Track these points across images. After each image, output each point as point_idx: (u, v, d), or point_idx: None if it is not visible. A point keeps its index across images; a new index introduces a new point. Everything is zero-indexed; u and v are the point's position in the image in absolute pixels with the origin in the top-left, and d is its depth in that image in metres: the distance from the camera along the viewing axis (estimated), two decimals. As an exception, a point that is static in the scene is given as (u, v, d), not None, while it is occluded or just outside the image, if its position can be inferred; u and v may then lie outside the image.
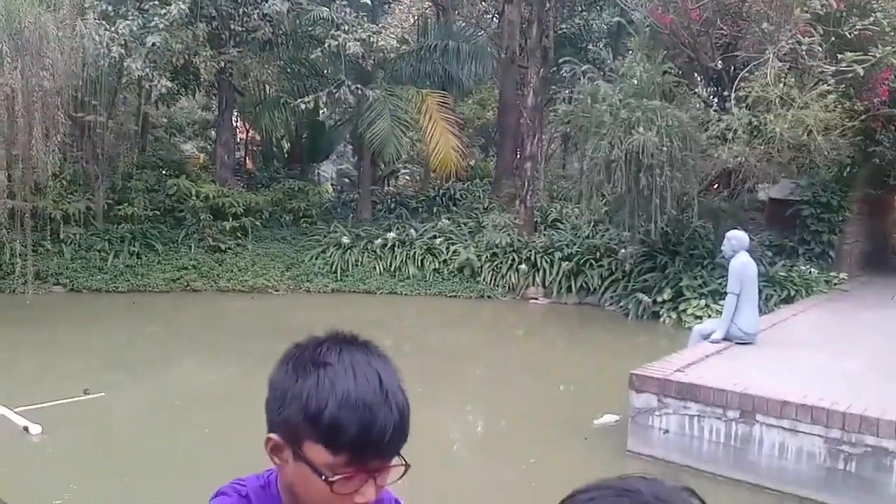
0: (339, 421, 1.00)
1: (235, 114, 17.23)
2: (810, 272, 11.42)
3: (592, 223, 13.42)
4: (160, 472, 5.48)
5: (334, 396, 1.01)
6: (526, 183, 14.55)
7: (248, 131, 20.38)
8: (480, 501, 5.36)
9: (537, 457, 5.90)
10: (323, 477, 1.01)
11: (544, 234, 14.27)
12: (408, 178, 22.29)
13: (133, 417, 6.94)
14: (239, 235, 14.52)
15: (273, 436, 1.06)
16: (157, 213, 14.30)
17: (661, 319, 11.59)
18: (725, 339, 6.94)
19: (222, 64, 13.92)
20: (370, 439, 1.01)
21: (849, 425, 4.87)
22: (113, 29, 11.73)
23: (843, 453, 4.92)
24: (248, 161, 20.19)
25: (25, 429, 6.02)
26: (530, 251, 13.78)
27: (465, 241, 14.46)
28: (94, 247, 13.38)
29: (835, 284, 11.44)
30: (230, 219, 14.32)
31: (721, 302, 8.26)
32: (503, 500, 5.38)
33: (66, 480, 5.16)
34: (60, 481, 5.16)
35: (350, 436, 1.00)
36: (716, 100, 13.13)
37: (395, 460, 1.07)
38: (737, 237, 6.97)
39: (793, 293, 10.90)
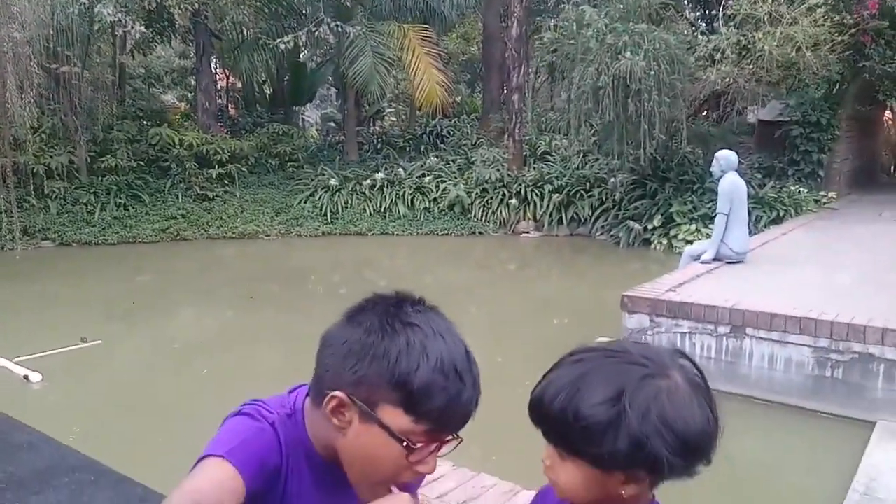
0: (432, 387, 0.94)
1: (214, 60, 16.82)
2: (799, 192, 11.44)
3: (582, 154, 13.37)
4: (161, 413, 5.56)
5: (426, 360, 0.95)
6: (513, 116, 14.37)
7: (228, 78, 19.95)
8: (479, 423, 5.47)
9: (532, 381, 6.00)
10: (404, 444, 0.95)
11: (534, 168, 14.18)
12: (393, 118, 22.00)
13: (131, 363, 7.01)
14: (226, 182, 14.38)
15: (339, 394, 0.98)
16: (142, 163, 14.11)
17: (653, 246, 11.65)
18: (716, 259, 7.00)
19: (196, 6, 13.49)
20: (457, 409, 0.96)
21: (836, 334, 4.96)
22: (79, -27, 11.32)
23: (831, 361, 5.03)
24: (230, 107, 19.83)
25: (26, 378, 6.07)
26: (520, 185, 13.73)
27: (455, 178, 14.38)
28: (80, 200, 13.25)
29: (824, 203, 11.48)
30: (216, 166, 14.16)
31: (711, 226, 8.30)
32: (500, 420, 5.49)
33: (69, 425, 5.22)
34: (63, 426, 5.23)
35: (439, 404, 0.94)
36: (703, 23, 12.89)
37: None
38: (725, 157, 6.94)
39: (782, 213, 10.95)
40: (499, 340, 8.05)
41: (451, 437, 1.01)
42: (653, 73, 9.72)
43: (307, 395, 1.08)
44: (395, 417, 0.95)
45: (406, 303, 1.02)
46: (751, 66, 9.78)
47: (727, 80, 9.93)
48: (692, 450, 0.92)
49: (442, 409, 0.94)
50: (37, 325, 8.42)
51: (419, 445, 0.96)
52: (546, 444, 1.00)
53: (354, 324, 1.00)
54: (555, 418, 0.93)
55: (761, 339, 5.29)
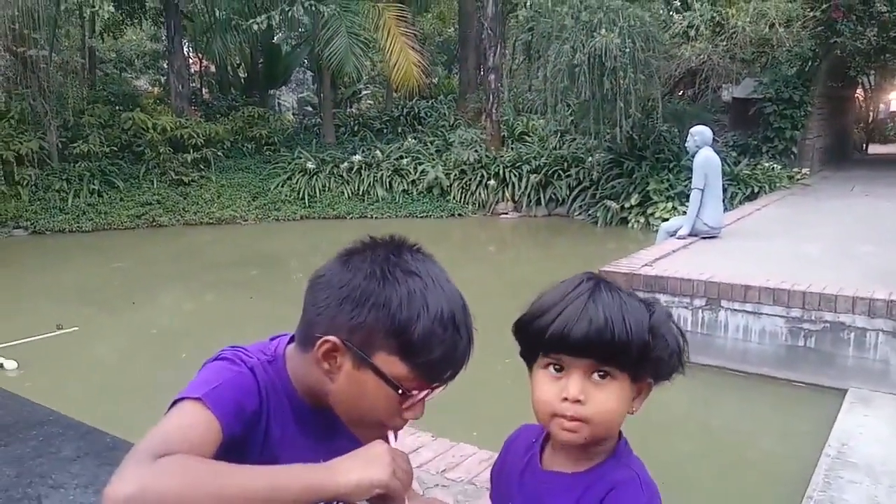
0: (431, 338, 0.94)
1: (186, 43, 16.55)
2: (773, 169, 11.58)
3: (559, 134, 13.39)
4: (139, 397, 5.52)
5: (426, 310, 0.94)
6: (491, 96, 14.34)
7: (201, 61, 19.66)
8: (459, 397, 5.50)
9: (512, 357, 6.05)
10: (399, 391, 0.96)
11: (512, 148, 14.19)
12: (370, 101, 21.85)
13: (109, 349, 6.94)
14: (201, 167, 14.22)
15: (334, 339, 0.96)
16: (115, 149, 13.90)
17: (630, 224, 11.74)
18: (691, 234, 7.07)
19: (166, -14, 13.25)
20: (452, 360, 0.97)
21: (808, 303, 5.06)
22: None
23: (804, 331, 5.12)
24: (203, 91, 19.56)
25: (0, 365, 5.99)
26: (498, 166, 13.73)
27: (433, 159, 14.34)
28: (52, 187, 13.03)
29: (797, 180, 11.64)
30: (191, 151, 13.98)
31: (687, 203, 8.38)
32: (481, 394, 5.54)
33: (45, 412, 5.18)
34: (40, 413, 5.18)
35: (437, 355, 0.95)
36: (677, 0, 12.91)
37: None
38: (700, 132, 7.00)
39: (756, 190, 11.08)
40: (477, 321, 8.09)
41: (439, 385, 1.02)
42: (628, 50, 9.75)
43: (290, 342, 1.08)
44: (391, 365, 0.95)
45: (405, 249, 1.02)
46: (725, 43, 9.85)
47: (702, 57, 10.00)
48: (679, 353, 1.03)
49: (439, 359, 0.95)
50: (11, 313, 8.28)
51: (414, 391, 0.97)
52: (576, 382, 0.98)
53: (351, 268, 0.99)
54: (627, 331, 0.96)
55: (736, 310, 5.37)
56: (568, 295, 0.98)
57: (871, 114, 22.13)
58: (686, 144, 7.27)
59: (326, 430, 1.06)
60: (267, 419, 0.99)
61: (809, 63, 11.89)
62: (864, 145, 20.67)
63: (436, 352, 0.94)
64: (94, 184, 13.29)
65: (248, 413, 0.96)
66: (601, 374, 0.97)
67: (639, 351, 0.97)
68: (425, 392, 0.99)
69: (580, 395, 0.98)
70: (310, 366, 1.00)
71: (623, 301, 0.98)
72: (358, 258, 0.99)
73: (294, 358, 1.04)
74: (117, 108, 14.98)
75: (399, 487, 0.88)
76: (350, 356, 0.96)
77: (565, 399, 0.97)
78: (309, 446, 1.03)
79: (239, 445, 0.94)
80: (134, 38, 20.41)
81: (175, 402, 0.93)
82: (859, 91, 19.04)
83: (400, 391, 0.96)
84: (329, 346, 0.96)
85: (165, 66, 16.91)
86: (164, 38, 16.49)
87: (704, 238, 7.06)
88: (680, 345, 1.02)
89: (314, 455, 0.96)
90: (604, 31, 9.73)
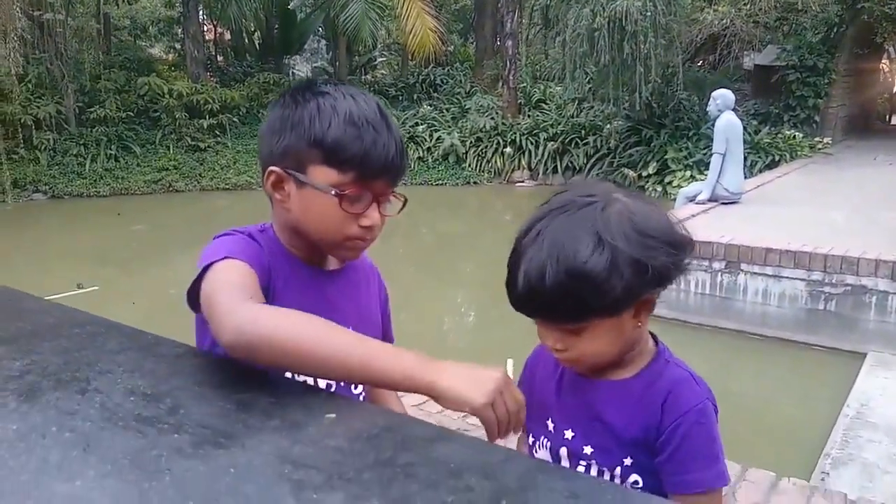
0: (345, 136, 1.01)
1: (201, 10, 16.44)
2: (795, 137, 11.40)
3: (577, 101, 13.23)
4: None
5: (337, 116, 1.01)
6: (508, 63, 14.17)
7: (216, 28, 19.54)
8: (476, 360, 5.53)
9: (528, 320, 6.06)
10: (333, 192, 1.02)
11: (528, 116, 14.05)
12: (384, 70, 21.66)
13: (129, 307, 7.02)
14: (217, 133, 14.21)
15: (274, 168, 1.05)
16: (131, 114, 13.90)
17: (647, 193, 11.61)
18: (711, 199, 7.00)
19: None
20: (375, 155, 1.02)
21: (830, 266, 5.00)
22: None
23: (824, 294, 5.08)
24: (219, 58, 19.47)
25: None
26: (515, 133, 13.61)
27: (449, 127, 14.24)
28: (70, 152, 13.09)
29: (819, 149, 11.45)
30: (207, 116, 13.97)
31: (706, 172, 8.28)
32: (497, 356, 5.57)
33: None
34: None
35: (356, 150, 1.01)
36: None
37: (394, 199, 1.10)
38: (722, 95, 6.89)
39: (777, 158, 10.93)
40: (491, 285, 8.09)
41: (388, 192, 1.07)
42: (649, 14, 9.58)
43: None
44: (323, 174, 1.02)
45: (317, 81, 1.10)
46: (748, 7, 9.63)
47: (724, 21, 9.79)
48: (679, 243, 0.98)
49: (361, 155, 1.01)
50: (32, 273, 8.39)
51: (349, 192, 1.02)
52: (549, 333, 1.01)
53: (275, 106, 1.08)
54: (556, 294, 0.93)
55: (755, 273, 5.32)
56: (511, 257, 0.99)
57: (895, 84, 21.65)
58: (708, 108, 7.16)
59: (317, 282, 1.14)
60: (270, 273, 1.06)
61: (835, 29, 11.61)
62: (888, 116, 20.27)
63: (355, 148, 1.00)
64: (111, 149, 13.34)
65: (263, 266, 1.03)
66: (570, 329, 0.98)
67: (583, 300, 0.93)
68: (369, 195, 1.04)
69: (558, 345, 1.00)
70: (279, 213, 1.10)
71: (548, 252, 0.93)
72: (279, 100, 1.09)
73: (273, 219, 1.14)
74: (133, 73, 14.96)
75: (491, 420, 0.85)
76: (291, 179, 1.04)
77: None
78: (303, 292, 1.10)
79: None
80: (148, 4, 20.31)
81: (204, 270, 0.97)
82: (884, 60, 18.62)
83: (335, 193, 1.01)
84: (274, 177, 1.05)
85: (180, 33, 16.84)
86: (178, 3, 16.38)
87: (724, 203, 6.99)
88: (676, 239, 0.97)
89: (311, 306, 1.03)
90: (625, -7, 9.55)
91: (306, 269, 1.13)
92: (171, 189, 13.15)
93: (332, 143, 1.00)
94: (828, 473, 3.25)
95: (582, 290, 0.92)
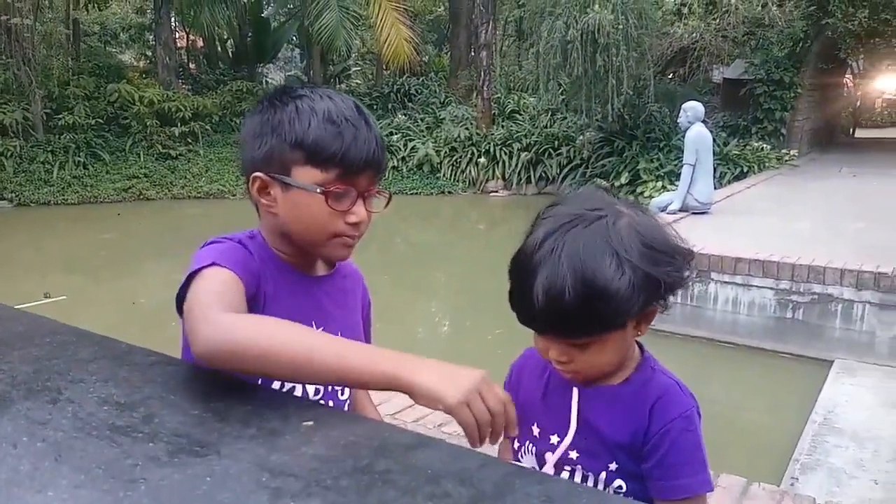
0: (326, 135, 1.01)
1: (173, 17, 16.29)
2: (762, 149, 11.64)
3: (550, 112, 13.36)
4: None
5: (315, 116, 1.02)
6: (482, 73, 14.26)
7: (188, 35, 19.37)
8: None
9: (503, 328, 6.09)
10: (319, 190, 1.02)
11: (503, 126, 14.15)
12: (359, 80, 21.64)
13: (97, 317, 6.89)
14: (189, 141, 14.07)
15: (258, 174, 1.06)
16: (100, 121, 13.71)
17: (620, 203, 11.76)
18: (682, 209, 7.10)
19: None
20: (356, 151, 1.02)
21: (797, 276, 5.11)
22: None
23: (792, 303, 5.18)
24: (191, 65, 19.29)
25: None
26: (489, 144, 13.69)
27: (423, 136, 14.28)
28: (37, 159, 12.85)
29: (786, 160, 11.70)
30: (178, 124, 13.83)
31: (677, 183, 8.41)
32: (472, 363, 5.57)
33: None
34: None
35: (337, 147, 1.01)
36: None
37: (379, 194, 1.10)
38: (692, 107, 7.01)
39: (745, 169, 11.14)
40: (466, 292, 8.12)
41: (372, 187, 1.07)
42: (621, 27, 9.72)
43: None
44: (307, 174, 1.03)
45: (293, 86, 1.11)
46: (717, 22, 9.83)
47: (694, 35, 9.98)
48: (682, 254, 0.99)
49: (343, 151, 1.02)
50: (-3, 282, 8.22)
51: (334, 188, 1.03)
52: (554, 346, 0.99)
53: (252, 114, 1.10)
54: (576, 311, 0.91)
55: (725, 282, 5.41)
56: (521, 270, 0.96)
57: (858, 98, 22.28)
58: (678, 120, 7.28)
59: (307, 287, 1.14)
60: (261, 279, 1.06)
61: (800, 44, 11.89)
62: (852, 129, 20.81)
63: (335, 145, 1.01)
64: (79, 156, 13.13)
65: (253, 272, 1.03)
66: (577, 343, 0.98)
67: (599, 316, 0.93)
68: (354, 193, 1.05)
69: (562, 358, 0.99)
70: (266, 219, 1.10)
71: (568, 267, 0.91)
72: (256, 106, 1.10)
73: (261, 225, 1.14)
74: (103, 80, 14.75)
75: (467, 419, 0.82)
76: (276, 183, 1.05)
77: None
78: (293, 295, 1.11)
79: (250, 304, 1.00)
80: (118, 10, 20.06)
81: (190, 277, 0.96)
82: (848, 76, 19.13)
83: (320, 191, 1.02)
84: (258, 183, 1.06)
85: (151, 39, 16.66)
86: (150, 9, 16.22)
87: (694, 214, 7.09)
88: (681, 251, 0.99)
89: (301, 311, 1.06)
90: (597, 6, 9.69)
91: (296, 275, 1.13)
92: (141, 197, 12.98)
93: (313, 143, 1.01)
94: (797, 478, 3.30)
95: (604, 307, 0.92)
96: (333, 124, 1.02)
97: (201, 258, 0.99)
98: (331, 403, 1.15)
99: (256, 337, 0.83)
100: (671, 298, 1.00)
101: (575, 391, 1.02)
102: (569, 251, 0.93)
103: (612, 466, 1.03)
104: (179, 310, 0.96)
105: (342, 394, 1.17)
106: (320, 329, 1.08)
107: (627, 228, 0.95)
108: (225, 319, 0.86)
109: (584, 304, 0.91)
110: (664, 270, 0.95)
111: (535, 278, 0.93)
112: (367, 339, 1.29)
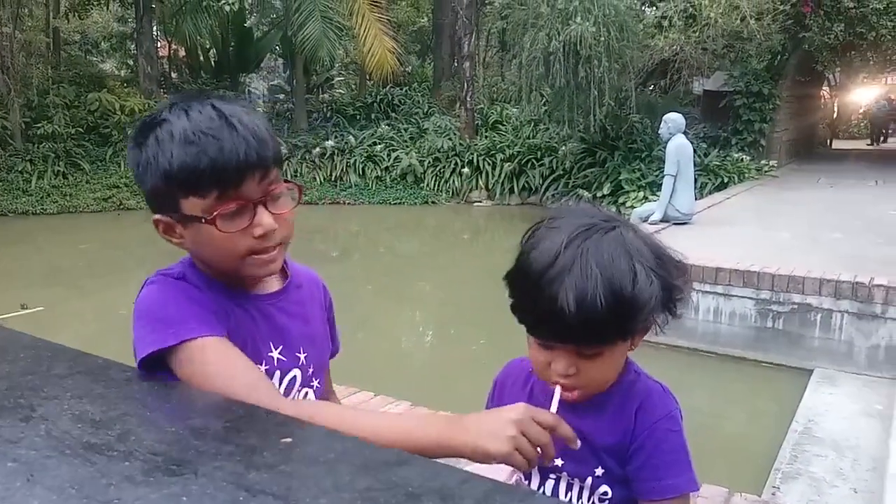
0: (188, 157, 0.94)
1: (155, 26, 16.21)
2: (742, 160, 11.78)
3: (533, 123, 13.44)
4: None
5: (173, 141, 0.95)
6: (465, 84, 14.33)
7: (170, 45, 19.27)
8: (434, 377, 5.52)
9: (487, 338, 6.09)
10: (204, 220, 0.96)
11: (486, 137, 14.21)
12: (342, 90, 21.63)
13: (76, 329, 6.80)
14: (171, 151, 13.95)
15: (156, 217, 1.02)
16: (80, 130, 13.58)
17: (602, 213, 11.83)
18: (663, 220, 7.16)
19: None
20: (224, 162, 0.94)
21: (777, 285, 5.16)
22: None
23: (772, 312, 5.23)
24: (172, 75, 19.17)
25: None
26: (472, 154, 13.74)
27: (407, 146, 14.29)
28: (15, 168, 12.71)
29: (765, 171, 11.85)
30: (160, 134, 13.70)
31: (658, 193, 8.47)
32: (455, 374, 5.56)
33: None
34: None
35: (203, 167, 0.94)
36: (652, -9, 13.02)
37: (284, 188, 1.02)
38: (673, 119, 7.08)
39: (726, 180, 11.26)
40: (450, 302, 8.11)
41: (268, 190, 0.99)
42: (602, 39, 9.82)
43: None
44: (190, 204, 0.97)
45: (154, 113, 1.03)
46: (697, 35, 9.96)
47: (674, 48, 10.10)
48: (681, 267, 1.01)
49: (210, 169, 0.94)
50: (-28, 294, 8.08)
51: (216, 214, 0.96)
52: (564, 358, 0.98)
53: (128, 157, 1.05)
54: (605, 319, 0.91)
55: (707, 292, 5.45)
56: (544, 276, 0.94)
57: (835, 110, 22.65)
58: (659, 131, 7.35)
59: (259, 306, 1.08)
60: (221, 315, 1.01)
61: (779, 57, 12.08)
62: (829, 141, 21.14)
63: (201, 164, 0.94)
64: (58, 165, 12.99)
65: (219, 312, 1.00)
66: (588, 354, 0.98)
67: (624, 325, 0.95)
68: (248, 204, 0.97)
69: (570, 371, 0.99)
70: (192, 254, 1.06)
71: (599, 275, 0.91)
72: (133, 139, 1.03)
73: (191, 255, 1.08)
74: (83, 89, 14.62)
75: (519, 463, 0.85)
76: (174, 221, 1.00)
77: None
78: (253, 328, 1.06)
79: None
80: (100, 19, 19.92)
81: (173, 347, 0.94)
82: (825, 88, 19.46)
83: (204, 220, 0.96)
84: (162, 225, 1.02)
85: (133, 48, 16.56)
86: (131, 18, 16.12)
87: (676, 224, 7.16)
88: (684, 264, 1.01)
89: (257, 332, 1.05)
90: (579, 19, 9.78)
91: (247, 297, 1.07)
92: (122, 207, 12.85)
93: (179, 171, 0.94)
94: (778, 488, 3.32)
95: (634, 314, 0.93)
96: (192, 144, 0.94)
97: (164, 322, 0.95)
98: (311, 395, 1.13)
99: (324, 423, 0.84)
100: (678, 311, 1.00)
101: (556, 393, 1.01)
102: (597, 258, 0.92)
103: (598, 472, 1.03)
104: (143, 365, 0.94)
105: (312, 382, 1.15)
106: (279, 348, 1.07)
107: (638, 240, 0.97)
108: (291, 408, 0.87)
109: (615, 311, 0.91)
110: (675, 281, 0.97)
111: (559, 285, 0.92)
112: (333, 342, 1.25)
